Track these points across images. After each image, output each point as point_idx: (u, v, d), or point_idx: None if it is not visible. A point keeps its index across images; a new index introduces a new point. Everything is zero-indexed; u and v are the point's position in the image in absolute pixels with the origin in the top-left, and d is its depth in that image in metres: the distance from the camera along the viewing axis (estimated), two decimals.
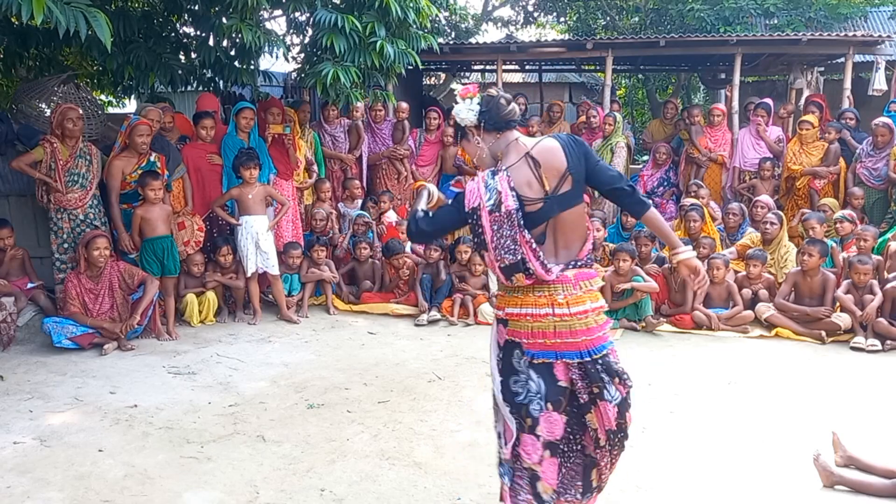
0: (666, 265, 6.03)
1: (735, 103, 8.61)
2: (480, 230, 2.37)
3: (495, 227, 2.35)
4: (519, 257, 2.34)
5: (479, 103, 2.46)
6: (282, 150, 6.44)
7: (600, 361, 2.40)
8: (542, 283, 2.38)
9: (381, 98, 7.29)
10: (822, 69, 11.11)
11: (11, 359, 4.82)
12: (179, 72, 6.42)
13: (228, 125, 6.37)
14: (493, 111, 2.45)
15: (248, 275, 5.83)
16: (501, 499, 2.56)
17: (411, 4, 6.11)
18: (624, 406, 2.43)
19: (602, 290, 5.71)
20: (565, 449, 2.46)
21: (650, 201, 2.64)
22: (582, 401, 2.42)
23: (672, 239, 2.61)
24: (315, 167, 7.05)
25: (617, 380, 2.42)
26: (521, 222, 2.33)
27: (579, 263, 2.44)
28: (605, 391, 2.39)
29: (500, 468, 2.56)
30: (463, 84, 2.52)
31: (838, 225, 6.24)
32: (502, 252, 2.36)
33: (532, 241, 2.35)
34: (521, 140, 2.46)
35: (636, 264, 5.85)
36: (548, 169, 2.38)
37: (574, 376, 2.40)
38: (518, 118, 2.50)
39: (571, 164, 2.39)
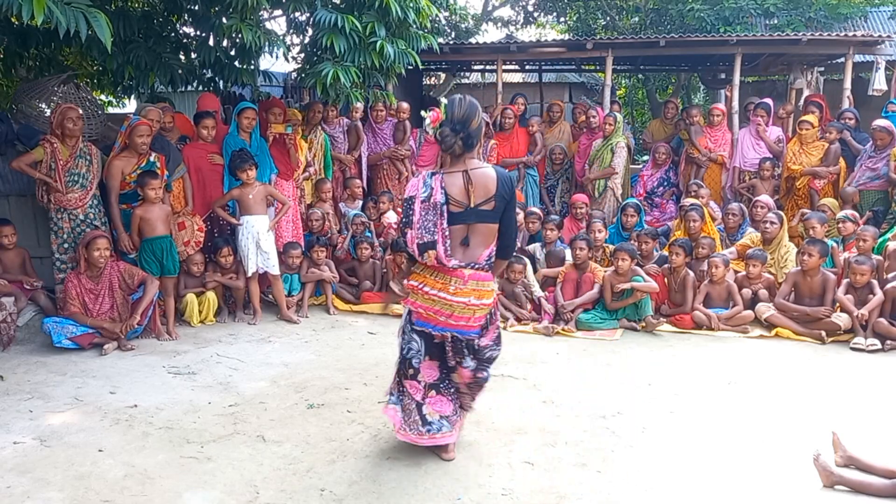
0: (666, 265, 6.03)
1: (735, 103, 8.61)
2: (411, 212, 3.10)
3: (423, 213, 3.07)
4: (434, 237, 3.06)
5: (435, 131, 3.13)
6: (283, 150, 6.45)
7: (465, 343, 3.20)
8: (443, 271, 3.09)
9: (381, 98, 7.29)
10: (822, 69, 11.10)
11: (11, 359, 4.82)
12: (179, 72, 6.42)
13: (230, 125, 6.37)
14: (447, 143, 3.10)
15: (249, 275, 5.83)
16: (389, 418, 3.35)
17: (411, 4, 6.12)
18: (478, 370, 3.29)
19: (602, 289, 5.74)
20: (443, 386, 3.32)
21: (513, 257, 3.67)
22: (450, 364, 3.25)
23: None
24: (312, 168, 7.04)
25: (478, 358, 3.26)
26: (444, 212, 3.06)
27: (476, 266, 3.14)
28: (465, 361, 3.23)
29: (390, 396, 3.37)
30: (431, 112, 3.11)
31: (841, 225, 6.24)
32: (423, 231, 3.07)
33: (447, 230, 3.07)
34: (469, 161, 3.12)
35: (637, 263, 5.85)
36: (477, 187, 3.07)
37: (447, 345, 3.20)
38: (462, 151, 3.10)
39: (498, 194, 3.10)
